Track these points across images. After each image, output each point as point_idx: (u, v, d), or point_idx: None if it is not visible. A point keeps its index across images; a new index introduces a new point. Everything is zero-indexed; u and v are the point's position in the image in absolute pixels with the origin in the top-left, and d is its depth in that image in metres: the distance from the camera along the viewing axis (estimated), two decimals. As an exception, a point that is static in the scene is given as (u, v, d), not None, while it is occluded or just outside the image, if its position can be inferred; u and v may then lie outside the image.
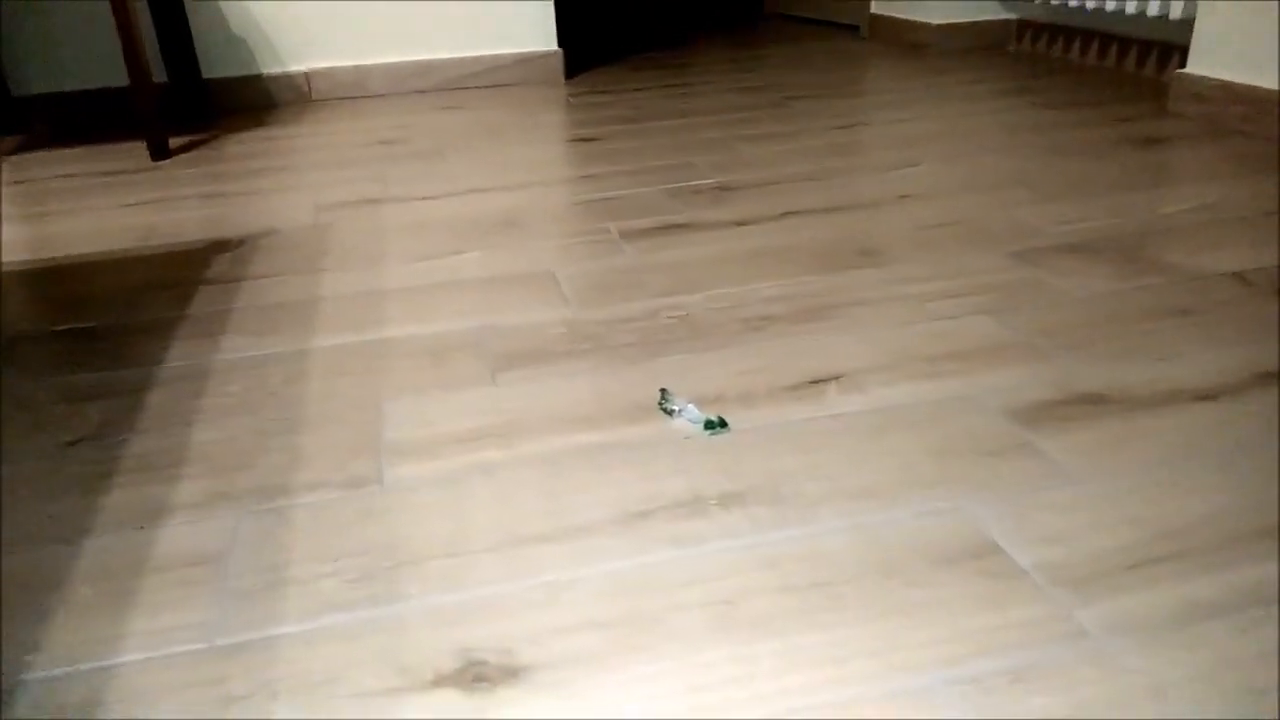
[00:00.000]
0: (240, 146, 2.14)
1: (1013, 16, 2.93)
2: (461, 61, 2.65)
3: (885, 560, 0.70)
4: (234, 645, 0.65)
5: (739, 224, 1.45)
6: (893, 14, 3.15)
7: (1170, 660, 0.60)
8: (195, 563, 0.74)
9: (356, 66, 2.60)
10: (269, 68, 2.56)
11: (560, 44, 2.74)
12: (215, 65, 2.52)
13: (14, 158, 2.17)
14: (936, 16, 2.92)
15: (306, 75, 2.58)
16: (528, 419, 0.93)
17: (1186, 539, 0.71)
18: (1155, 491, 0.77)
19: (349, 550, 0.74)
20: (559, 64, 2.73)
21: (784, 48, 3.23)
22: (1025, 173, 1.64)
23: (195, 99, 2.50)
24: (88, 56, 2.44)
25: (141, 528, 0.79)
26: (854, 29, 3.42)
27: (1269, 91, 1.78)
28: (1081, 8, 2.54)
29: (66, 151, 2.21)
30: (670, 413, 0.92)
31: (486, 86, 2.68)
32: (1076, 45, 2.66)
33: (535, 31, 2.68)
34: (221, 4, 2.48)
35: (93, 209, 1.72)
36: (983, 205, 1.48)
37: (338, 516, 0.79)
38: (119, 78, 2.46)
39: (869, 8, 3.29)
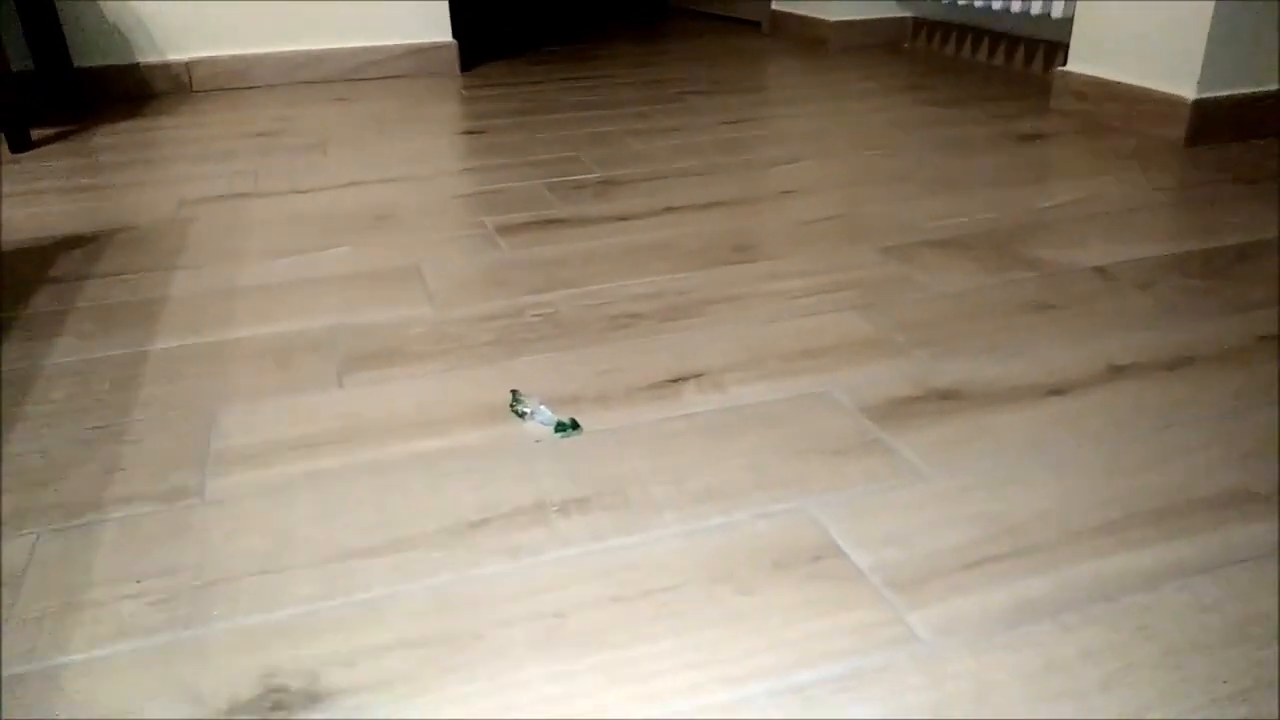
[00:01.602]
0: (110, 139, 2.03)
1: (909, 14, 2.96)
2: (352, 52, 2.57)
3: (720, 566, 0.68)
4: (12, 677, 0.60)
5: (618, 219, 1.43)
6: (793, 10, 3.16)
7: (996, 663, 0.59)
8: (-17, 587, 0.68)
9: (240, 56, 2.50)
10: (146, 56, 2.44)
11: (456, 36, 2.67)
12: (88, 53, 2.39)
13: None
14: (835, 14, 2.94)
15: (187, 65, 2.47)
16: (369, 424, 0.88)
17: (1024, 536, 0.70)
18: (999, 488, 0.76)
19: (156, 569, 0.69)
20: (454, 56, 2.67)
21: (685, 43, 3.22)
22: (907, 169, 1.65)
23: (64, 88, 2.37)
24: (-54, 42, 2.30)
25: (-68, 549, 0.72)
26: (756, 25, 3.42)
27: (1143, 89, 1.82)
28: (971, 5, 2.58)
29: (-82, 142, 2.07)
30: (522, 415, 0.88)
31: (378, 78, 2.61)
32: (968, 43, 2.70)
33: (429, 22, 2.62)
34: (92, -12, 2.35)
35: (-63, 203, 1.61)
36: (861, 201, 1.48)
37: (149, 532, 0.73)
38: (-20, 65, 2.32)
39: (770, 4, 3.30)
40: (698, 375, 0.95)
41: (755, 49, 3.03)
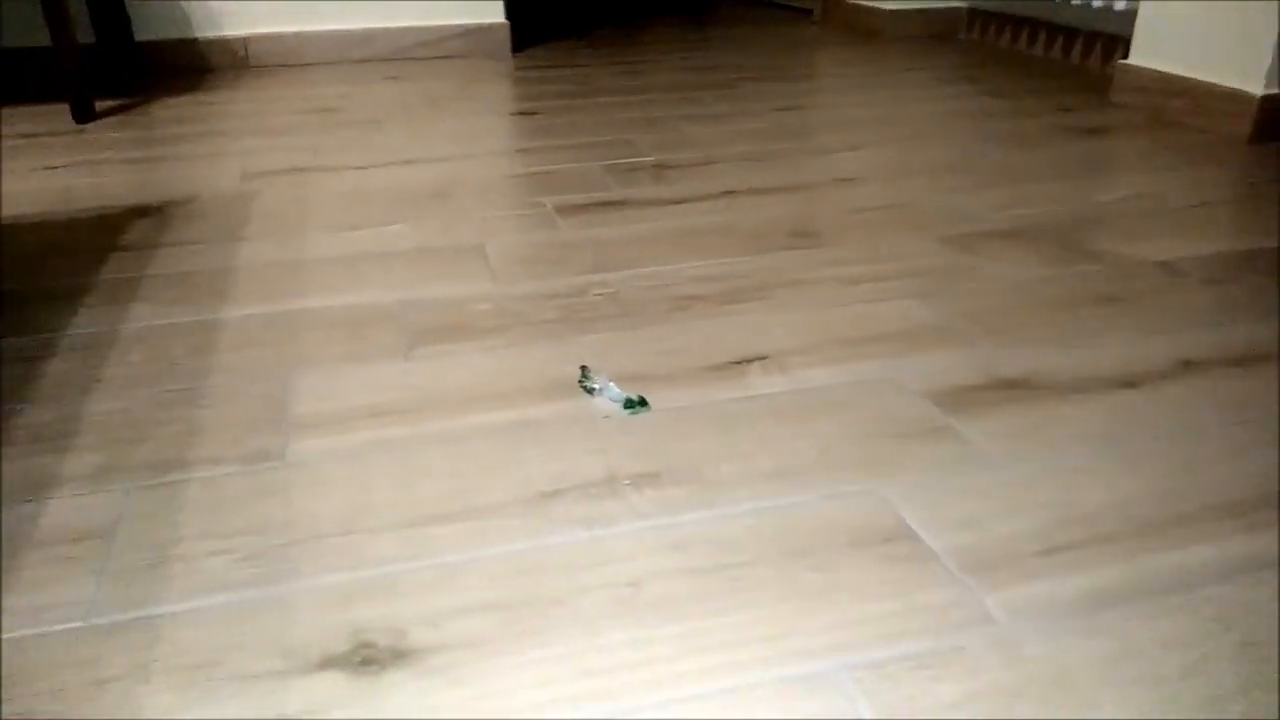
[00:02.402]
0: (170, 111, 2.07)
1: (963, 5, 2.93)
2: (406, 31, 2.58)
3: (794, 544, 0.69)
4: (112, 624, 0.62)
5: (675, 202, 1.43)
6: (845, -2, 3.14)
7: (1072, 647, 0.59)
8: (80, 538, 0.70)
9: (297, 33, 2.52)
10: (204, 32, 2.48)
11: (509, 17, 2.68)
12: (148, 27, 2.43)
13: (-71, 116, 2.08)
14: (889, 3, 2.91)
15: (244, 40, 2.50)
16: (440, 395, 0.90)
17: (1098, 525, 0.71)
18: (1070, 478, 0.76)
19: (242, 527, 0.71)
20: (505, 37, 2.68)
21: (736, 29, 3.21)
22: (964, 159, 1.64)
23: (125, 61, 2.41)
24: (9, 13, 2.34)
25: (29, 500, 0.75)
26: (807, 13, 3.40)
27: (1208, 84, 1.80)
28: (1029, -2, 2.54)
29: (-14, 111, 2.11)
30: (590, 391, 0.89)
31: (431, 58, 2.62)
32: (1025, 35, 2.67)
33: (482, 3, 2.63)
34: (155, -37, 2.39)
35: (9, 172, 1.65)
36: (919, 190, 1.47)
37: (234, 492, 0.75)
38: (43, 37, 2.36)
39: (822, -9, 3.27)
40: (762, 358, 0.96)
41: (807, 37, 3.02)
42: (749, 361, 0.95)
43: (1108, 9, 2.25)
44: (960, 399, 0.88)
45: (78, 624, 0.62)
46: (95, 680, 0.58)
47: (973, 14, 2.90)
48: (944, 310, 1.06)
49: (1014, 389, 0.90)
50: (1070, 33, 2.49)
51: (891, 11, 2.91)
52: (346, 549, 0.69)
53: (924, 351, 0.97)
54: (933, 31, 2.96)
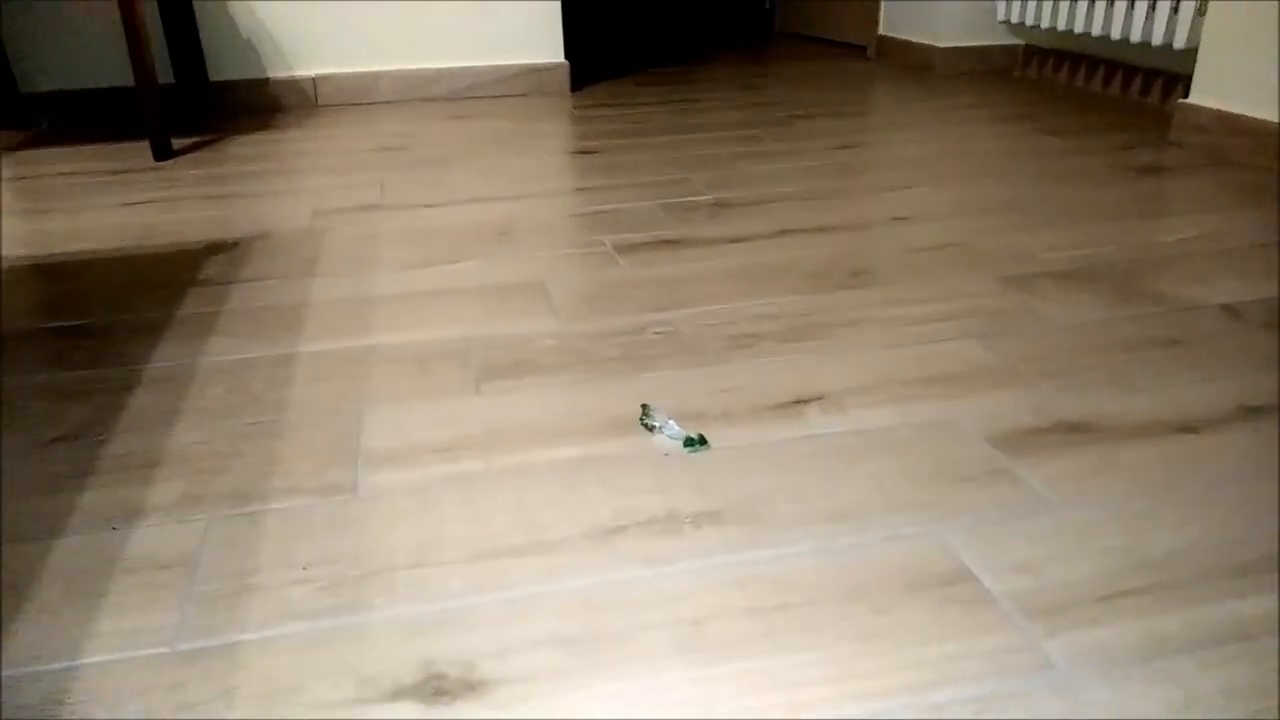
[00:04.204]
0: (243, 149, 2.15)
1: (1019, 42, 2.93)
2: (469, 71, 2.66)
3: (853, 584, 0.70)
4: (196, 650, 0.65)
5: (732, 241, 1.45)
6: (900, 36, 3.16)
7: (1134, 694, 0.59)
8: (165, 565, 0.74)
9: (364, 73, 2.61)
10: (276, 72, 2.57)
11: (568, 56, 2.74)
12: (223, 68, 2.53)
13: (19, 153, 2.18)
14: (943, 40, 2.92)
15: (314, 80, 2.59)
16: (507, 431, 0.92)
17: (1159, 572, 0.71)
18: (1131, 523, 0.76)
19: (318, 558, 0.74)
20: (565, 76, 2.74)
21: (791, 66, 3.24)
22: (1021, 198, 1.64)
23: (201, 101, 2.51)
24: (96, 56, 2.46)
25: (115, 528, 0.79)
26: (861, 50, 3.43)
27: (1270, 124, 1.78)
28: (1088, 34, 2.54)
29: (71, 149, 2.22)
30: (651, 429, 0.92)
31: (493, 96, 2.69)
32: (1082, 72, 2.66)
33: (543, 43, 2.69)
34: (230, 6, 2.49)
35: (93, 207, 1.73)
36: (976, 229, 1.48)
37: (310, 523, 0.78)
38: (126, 77, 2.47)
39: (876, 29, 3.30)
40: (820, 397, 0.97)
41: (861, 73, 3.04)
42: (807, 401, 0.96)
43: (1167, 46, 2.23)
44: (1020, 442, 0.88)
45: (164, 649, 0.65)
46: (181, 704, 0.61)
47: (1029, 50, 2.89)
48: (1003, 351, 1.06)
49: (1074, 432, 0.90)
50: (1129, 70, 2.48)
51: (946, 49, 2.92)
52: (418, 581, 0.71)
53: (983, 393, 0.97)
54: (988, 68, 2.96)
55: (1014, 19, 2.76)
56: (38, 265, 1.42)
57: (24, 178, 1.98)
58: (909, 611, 0.67)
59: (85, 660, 0.64)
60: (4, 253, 1.49)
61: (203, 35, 2.49)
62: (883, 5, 3.26)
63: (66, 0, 2.39)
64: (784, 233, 1.48)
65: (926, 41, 2.99)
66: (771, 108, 2.52)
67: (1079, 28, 2.47)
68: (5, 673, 0.64)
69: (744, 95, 2.72)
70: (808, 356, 1.06)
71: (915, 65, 3.07)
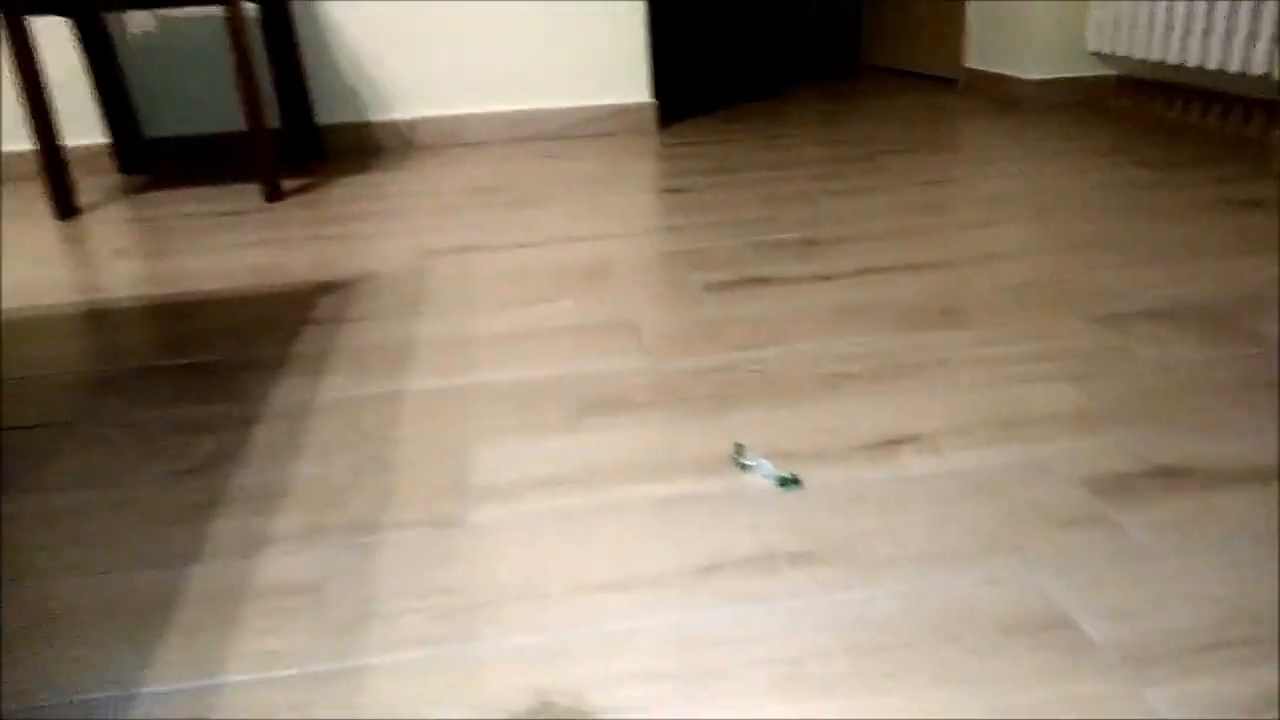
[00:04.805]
0: (347, 191, 2.25)
1: (1112, 72, 2.89)
2: (559, 112, 2.74)
3: (949, 627, 0.71)
4: (324, 673, 0.70)
5: (821, 279, 1.47)
6: (988, 68, 3.14)
7: (1238, 746, 0.59)
8: (293, 592, 0.79)
9: (459, 116, 2.71)
10: (376, 115, 2.69)
11: (654, 95, 2.80)
12: (327, 112, 2.66)
13: (143, 195, 2.33)
14: (1034, 72, 2.90)
15: (411, 123, 2.70)
16: (604, 467, 0.96)
17: (1263, 623, 0.70)
18: (1233, 571, 0.76)
19: (432, 588, 0.78)
20: (653, 115, 2.80)
21: (876, 100, 3.25)
22: (1115, 234, 1.62)
23: (307, 144, 2.64)
24: (210, 102, 2.61)
25: (245, 556, 0.84)
26: (949, 83, 3.42)
27: (1380, 156, 1.72)
28: (1183, 64, 2.50)
29: (188, 191, 2.35)
30: (744, 467, 0.94)
31: (582, 136, 2.77)
32: (1178, 102, 2.61)
33: (631, 84, 2.76)
34: (335, 53, 2.62)
35: (210, 248, 1.83)
36: (1069, 267, 1.47)
37: (423, 555, 0.83)
38: (237, 122, 2.61)
39: (964, 61, 3.29)
40: (913, 438, 0.98)
41: (949, 107, 3.03)
42: (901, 442, 0.98)
43: (1268, 76, 2.18)
44: (1116, 486, 0.88)
45: (294, 671, 0.70)
46: (312, 722, 0.65)
47: (1122, 82, 2.85)
48: (1097, 393, 1.06)
49: (1171, 477, 0.89)
50: (1227, 100, 2.42)
51: (1037, 80, 2.90)
52: (525, 612, 0.75)
53: (1077, 436, 0.97)
54: (1080, 100, 2.92)
55: (1106, 49, 2.72)
56: (162, 304, 1.52)
57: (146, 219, 2.11)
58: (1006, 656, 0.68)
59: (225, 679, 0.70)
60: (133, 291, 1.60)
61: (309, 81, 2.62)
62: (970, 37, 3.25)
63: (185, 49, 2.55)
64: (873, 270, 1.50)
65: (1016, 74, 2.97)
66: (858, 143, 2.53)
67: (1174, 57, 2.43)
68: (154, 689, 0.69)
69: (830, 131, 2.74)
70: (900, 396, 1.08)
71: (1004, 98, 3.05)
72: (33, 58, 2.03)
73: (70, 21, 2.42)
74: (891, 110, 3.02)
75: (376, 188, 2.28)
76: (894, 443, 0.98)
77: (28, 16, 2.02)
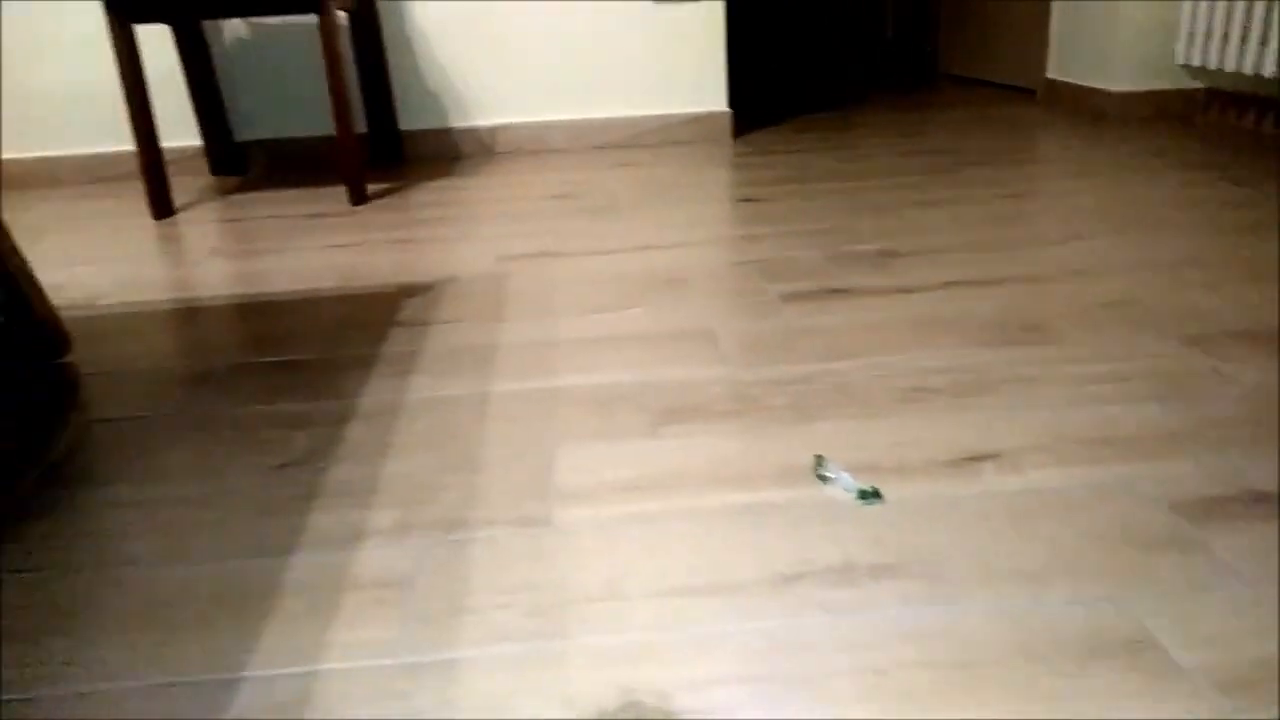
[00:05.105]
0: (429, 195, 2.31)
1: (1200, 85, 2.82)
2: (635, 120, 2.77)
3: (1034, 647, 0.71)
4: (418, 664, 0.72)
5: (900, 292, 1.47)
6: (1071, 79, 3.09)
7: (1335, 778, 0.59)
8: (387, 585, 0.82)
9: (537, 123, 2.76)
10: (457, 121, 2.75)
11: (729, 104, 2.82)
12: (410, 118, 2.73)
13: (233, 197, 2.42)
14: (1118, 84, 2.85)
15: (492, 130, 2.75)
16: (684, 473, 0.98)
17: (1362, 654, 0.69)
18: (1330, 601, 0.74)
19: (520, 585, 0.81)
20: (728, 124, 2.81)
21: (953, 111, 3.21)
22: (1205, 253, 1.59)
23: (390, 148, 2.71)
24: (298, 106, 2.69)
25: (341, 548, 0.88)
26: (1029, 93, 3.36)
27: None
28: (1276, 77, 2.43)
29: (276, 193, 2.43)
30: (824, 479, 0.95)
31: (658, 144, 2.79)
32: (1269, 117, 2.54)
33: (707, 92, 2.78)
34: (420, 61, 2.68)
35: (298, 249, 1.90)
36: (1156, 285, 1.44)
37: (511, 552, 0.85)
38: (322, 126, 2.69)
39: (1045, 72, 3.23)
40: (995, 455, 0.98)
41: (1029, 119, 2.99)
42: (983, 459, 0.97)
43: (1370, 92, 2.11)
44: (1204, 510, 0.87)
45: (389, 661, 0.73)
46: (408, 713, 0.68)
47: (1210, 95, 2.78)
48: (1186, 415, 1.04)
49: (1261, 503, 0.88)
50: (1325, 115, 2.35)
51: (1121, 93, 2.84)
52: (611, 613, 0.77)
53: (1164, 458, 0.96)
54: (1166, 114, 2.86)
55: (1195, 61, 2.66)
56: (254, 303, 1.58)
57: (237, 219, 2.19)
58: (1092, 677, 0.68)
59: (322, 667, 0.73)
60: (227, 291, 1.66)
61: (393, 87, 2.69)
62: (1052, 47, 3.20)
63: (276, 50, 2.64)
64: (953, 284, 1.49)
65: (1099, 85, 2.92)
66: (935, 154, 2.51)
67: (1268, 70, 2.37)
68: (258, 673, 0.73)
69: (905, 141, 2.73)
70: (981, 413, 1.07)
71: (1087, 111, 2.99)
72: (138, 63, 2.13)
73: (170, 28, 2.52)
74: (969, 121, 2.99)
75: (457, 193, 2.33)
76: (976, 459, 0.98)
77: (134, 24, 2.11)
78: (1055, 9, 3.15)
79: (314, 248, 1.90)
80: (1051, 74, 3.21)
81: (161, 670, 0.74)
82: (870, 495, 0.91)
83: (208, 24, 2.59)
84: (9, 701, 0.71)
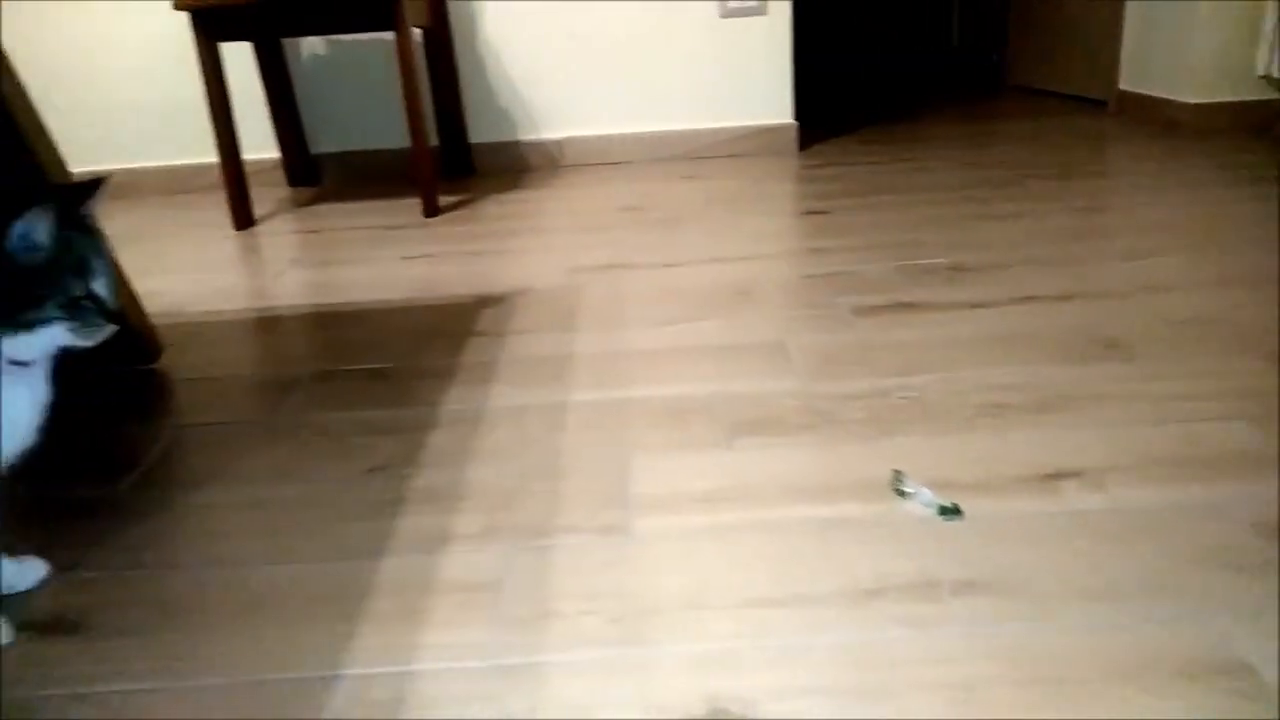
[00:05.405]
0: (499, 208, 2.35)
1: (1281, 96, 2.75)
2: (701, 133, 2.79)
3: (1123, 666, 0.70)
4: (508, 667, 0.75)
5: (972, 306, 1.46)
6: (1144, 90, 3.03)
7: None
8: (474, 588, 0.84)
9: (604, 135, 2.79)
10: (525, 134, 2.79)
11: (794, 115, 2.82)
12: (480, 131, 2.78)
13: (309, 208, 2.49)
14: (1193, 95, 2.79)
15: (559, 142, 2.79)
16: (760, 486, 0.99)
17: None
18: None
19: (603, 592, 0.83)
20: (793, 136, 2.81)
21: (1021, 123, 3.18)
22: (1290, 269, 1.56)
23: (460, 161, 2.76)
24: (371, 119, 2.76)
25: (428, 552, 0.90)
26: (1100, 104, 3.31)
27: None
28: (1364, 90, 2.36)
29: (350, 205, 2.50)
30: (903, 494, 0.95)
31: (723, 157, 2.80)
32: (1356, 128, 2.46)
33: (773, 105, 2.79)
34: (490, 76, 2.73)
35: (375, 260, 1.95)
36: (1237, 301, 1.42)
37: (592, 560, 0.87)
38: (395, 139, 2.75)
39: (1117, 83, 3.18)
40: (1077, 473, 0.97)
41: (1099, 130, 2.94)
42: (1064, 476, 0.97)
43: None
44: (1297, 532, 0.85)
45: (478, 663, 0.75)
46: (500, 715, 0.70)
47: (1293, 106, 2.71)
48: (1272, 435, 1.02)
49: (1360, 526, 0.86)
50: None
51: (1197, 105, 2.78)
52: (694, 621, 0.78)
53: (1250, 478, 0.95)
54: (1244, 125, 2.79)
55: (1276, 73, 2.60)
56: (334, 312, 1.63)
57: (314, 230, 2.25)
58: (1183, 698, 0.67)
59: (416, 667, 0.75)
60: (306, 300, 1.71)
61: (464, 101, 2.75)
62: (1125, 57, 3.14)
63: (350, 65, 2.71)
64: (1027, 299, 1.48)
65: (1174, 96, 2.86)
66: (1003, 167, 2.49)
67: (1354, 82, 2.30)
68: (356, 671, 0.75)
69: (973, 153, 2.70)
70: (1061, 430, 1.07)
71: (1161, 122, 2.93)
72: (223, 79, 2.20)
73: (251, 45, 2.60)
74: (1038, 132, 2.95)
75: (526, 205, 2.37)
76: (1057, 477, 0.97)
77: (219, 42, 2.19)
78: (1129, 19, 3.10)
79: (390, 259, 1.95)
80: (1124, 85, 3.15)
81: (264, 666, 0.77)
82: (951, 511, 0.91)
83: (286, 40, 2.67)
84: (119, 693, 0.75)
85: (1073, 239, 1.80)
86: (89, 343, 0.78)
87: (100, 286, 0.78)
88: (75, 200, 0.78)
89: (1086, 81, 3.39)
